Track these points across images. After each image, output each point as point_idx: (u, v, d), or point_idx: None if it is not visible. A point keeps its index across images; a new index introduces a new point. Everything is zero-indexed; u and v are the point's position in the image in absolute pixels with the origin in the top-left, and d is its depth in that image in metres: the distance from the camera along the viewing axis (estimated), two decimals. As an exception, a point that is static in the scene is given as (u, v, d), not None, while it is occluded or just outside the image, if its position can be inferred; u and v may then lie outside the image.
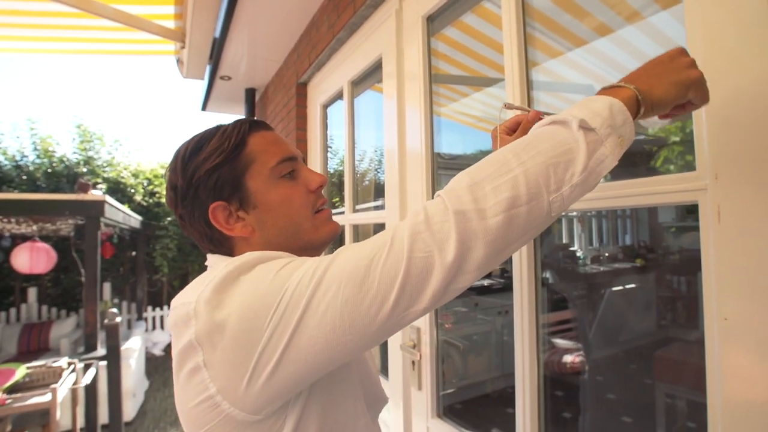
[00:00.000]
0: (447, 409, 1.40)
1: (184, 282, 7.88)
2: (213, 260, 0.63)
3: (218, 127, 0.64)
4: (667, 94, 0.51)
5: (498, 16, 1.10)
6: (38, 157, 6.79)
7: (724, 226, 0.63)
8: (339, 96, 2.11)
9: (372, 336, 0.46)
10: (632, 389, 2.38)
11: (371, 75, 1.83)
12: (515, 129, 0.66)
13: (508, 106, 0.67)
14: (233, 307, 0.47)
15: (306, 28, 2.31)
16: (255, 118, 3.02)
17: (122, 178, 7.17)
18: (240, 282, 0.49)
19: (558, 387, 2.22)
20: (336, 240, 0.95)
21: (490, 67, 1.60)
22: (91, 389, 3.28)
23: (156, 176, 7.61)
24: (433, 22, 1.39)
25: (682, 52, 0.53)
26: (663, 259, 3.31)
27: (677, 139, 1.87)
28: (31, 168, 6.64)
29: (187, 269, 7.75)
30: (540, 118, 0.61)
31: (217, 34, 2.37)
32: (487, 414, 2.60)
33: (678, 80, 0.51)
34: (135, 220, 5.95)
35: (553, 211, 0.46)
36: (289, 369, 0.47)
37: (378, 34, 1.65)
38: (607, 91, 0.52)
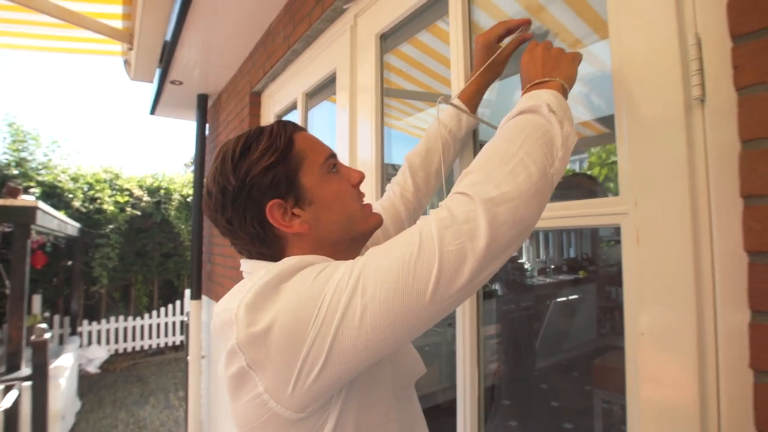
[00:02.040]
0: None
1: (125, 294, 7.44)
2: (251, 266, 0.63)
3: (261, 128, 0.65)
4: (572, 73, 0.65)
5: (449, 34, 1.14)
6: (-39, 157, 6.23)
7: (643, 249, 0.68)
8: (294, 107, 2.10)
9: (411, 330, 0.49)
10: (574, 396, 2.49)
11: (326, 87, 1.84)
12: (503, 37, 0.82)
13: (443, 100, 0.79)
14: (275, 314, 0.49)
15: (262, 37, 2.29)
16: (207, 124, 2.92)
17: (59, 182, 6.70)
18: (280, 289, 0.51)
19: (504, 396, 2.29)
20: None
21: (443, 83, 1.66)
22: (11, 414, 3.00)
23: (98, 180, 7.17)
24: (386, 40, 1.43)
25: (548, 44, 0.68)
26: (603, 270, 3.52)
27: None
28: (-47, 169, 6.09)
29: (130, 280, 7.33)
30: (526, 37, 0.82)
31: (169, 37, 2.30)
32: (439, 426, 2.63)
33: (570, 61, 0.66)
34: (72, 227, 5.57)
35: (555, 183, 0.54)
36: (333, 369, 0.49)
37: (333, 48, 1.67)
38: (538, 86, 0.62)
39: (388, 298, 0.47)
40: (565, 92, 0.62)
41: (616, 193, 0.72)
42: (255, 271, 0.57)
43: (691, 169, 0.63)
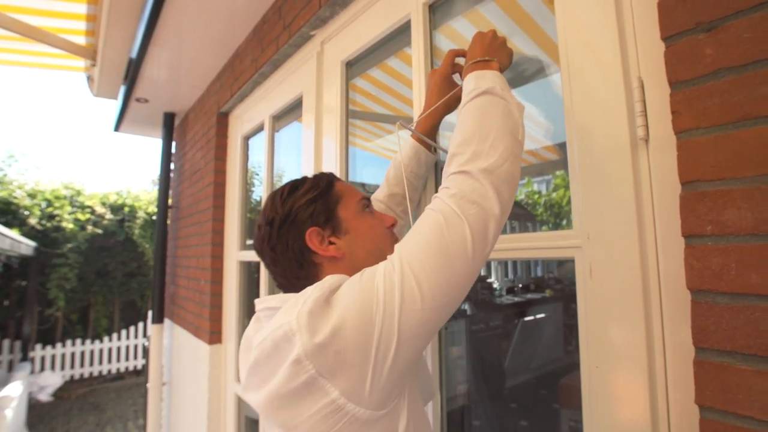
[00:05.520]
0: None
1: (84, 316, 7.08)
2: (279, 300, 0.66)
3: (306, 177, 0.76)
4: (507, 61, 0.77)
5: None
6: None
7: (596, 282, 0.70)
8: (261, 128, 2.08)
9: (463, 289, 0.56)
10: (543, 415, 2.51)
11: (293, 110, 1.84)
12: (456, 66, 0.89)
13: (402, 125, 0.86)
14: (339, 315, 0.52)
15: (230, 58, 2.27)
16: (173, 143, 2.87)
17: (15, 197, 6.38)
18: (333, 300, 0.55)
19: (474, 416, 2.28)
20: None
21: (412, 107, 1.69)
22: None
23: (57, 197, 6.88)
24: (352, 67, 1.44)
25: (496, 32, 0.78)
26: (568, 289, 3.60)
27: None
28: None
29: (89, 301, 7.00)
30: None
31: (134, 54, 2.25)
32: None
33: (508, 53, 0.78)
34: (27, 246, 5.29)
35: (523, 143, 0.64)
36: (406, 349, 0.53)
37: (300, 72, 1.67)
38: (480, 64, 0.72)
39: (439, 267, 0.53)
40: (500, 71, 0.73)
41: (556, 225, 0.75)
42: (287, 302, 0.60)
43: (638, 206, 0.66)
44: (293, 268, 0.70)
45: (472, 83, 0.68)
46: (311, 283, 0.61)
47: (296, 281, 0.70)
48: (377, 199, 0.95)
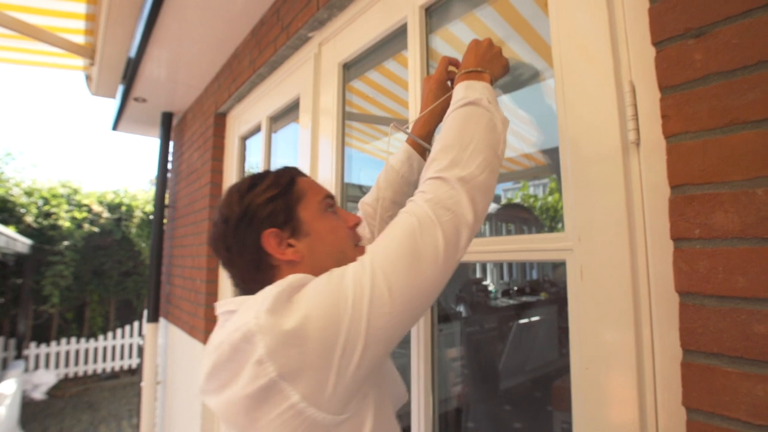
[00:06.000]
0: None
1: (79, 314, 7.05)
2: (237, 302, 0.61)
3: (267, 171, 0.72)
4: (499, 73, 0.77)
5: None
6: None
7: (586, 284, 0.70)
8: (258, 129, 2.08)
9: (433, 293, 0.57)
10: (537, 417, 2.51)
11: (290, 112, 1.84)
12: (451, 73, 0.88)
13: (395, 126, 0.85)
14: (303, 314, 0.51)
15: (228, 59, 2.28)
16: (171, 142, 2.87)
17: (12, 195, 6.36)
18: (296, 297, 0.53)
19: (469, 418, 2.28)
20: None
21: (407, 107, 1.69)
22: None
23: (54, 195, 6.86)
24: (349, 69, 1.45)
25: (492, 42, 0.78)
26: (563, 292, 3.59)
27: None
28: None
29: (85, 299, 6.97)
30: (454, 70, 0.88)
31: (133, 53, 2.25)
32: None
33: (502, 64, 0.78)
34: (22, 244, 5.27)
35: (502, 158, 0.65)
36: (372, 351, 0.52)
37: (297, 74, 1.68)
38: (472, 74, 0.72)
39: (409, 271, 0.54)
40: (492, 85, 0.74)
41: (552, 229, 0.75)
42: (244, 304, 0.57)
43: (629, 209, 0.66)
44: (249, 271, 0.67)
45: (461, 92, 0.69)
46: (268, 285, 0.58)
47: (253, 284, 0.66)
48: (366, 203, 0.94)
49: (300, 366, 0.49)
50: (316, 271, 0.61)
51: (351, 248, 0.71)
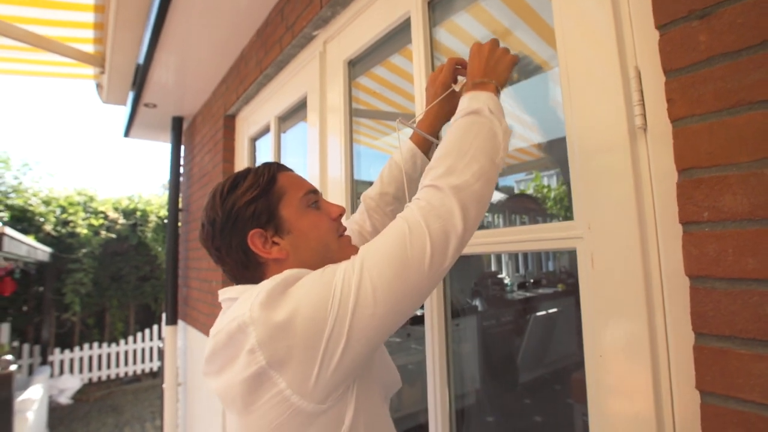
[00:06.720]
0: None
1: (100, 320, 7.20)
2: (237, 291, 0.68)
3: (249, 169, 0.73)
4: (506, 76, 0.75)
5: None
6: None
7: (597, 272, 0.70)
8: (267, 130, 2.10)
9: (418, 300, 0.58)
10: (557, 410, 2.49)
11: (298, 111, 1.86)
12: (457, 73, 0.87)
13: (401, 122, 0.85)
14: (293, 307, 0.54)
15: (235, 61, 2.30)
16: (182, 146, 2.89)
17: (30, 205, 6.52)
18: (288, 292, 0.56)
19: (488, 412, 2.28)
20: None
21: (413, 101, 1.69)
22: (-24, 450, 2.85)
23: (71, 203, 7.00)
24: (355, 65, 1.46)
25: (496, 42, 0.76)
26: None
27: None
28: None
29: (104, 305, 7.11)
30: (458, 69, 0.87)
31: (141, 60, 2.29)
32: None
33: (507, 65, 0.75)
34: (43, 252, 5.40)
35: (500, 168, 0.64)
36: (354, 349, 0.54)
37: (303, 73, 1.69)
38: (478, 86, 0.71)
39: (395, 276, 0.55)
40: (498, 93, 0.73)
41: (566, 218, 0.75)
42: (244, 293, 0.61)
43: (638, 195, 0.66)
44: (239, 269, 0.70)
45: (465, 103, 0.70)
46: (258, 282, 0.62)
47: (244, 281, 0.71)
48: (369, 197, 0.95)
49: (286, 356, 0.53)
50: (303, 266, 0.65)
51: (335, 240, 0.72)
